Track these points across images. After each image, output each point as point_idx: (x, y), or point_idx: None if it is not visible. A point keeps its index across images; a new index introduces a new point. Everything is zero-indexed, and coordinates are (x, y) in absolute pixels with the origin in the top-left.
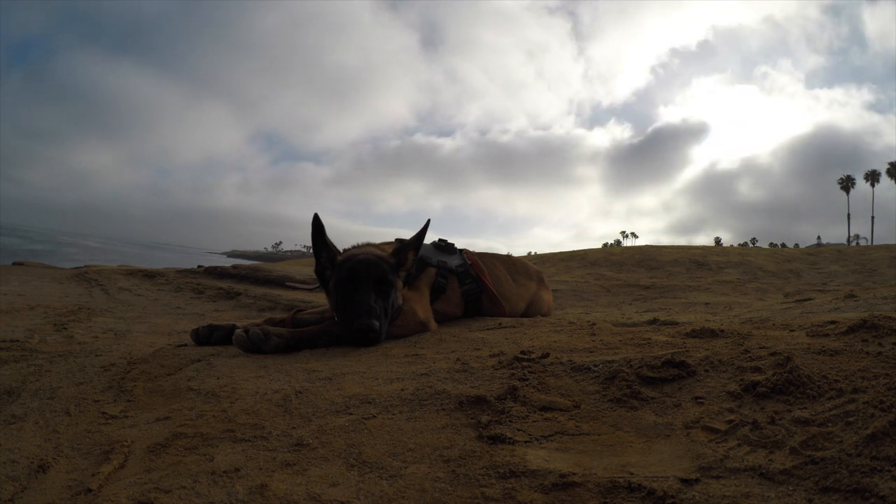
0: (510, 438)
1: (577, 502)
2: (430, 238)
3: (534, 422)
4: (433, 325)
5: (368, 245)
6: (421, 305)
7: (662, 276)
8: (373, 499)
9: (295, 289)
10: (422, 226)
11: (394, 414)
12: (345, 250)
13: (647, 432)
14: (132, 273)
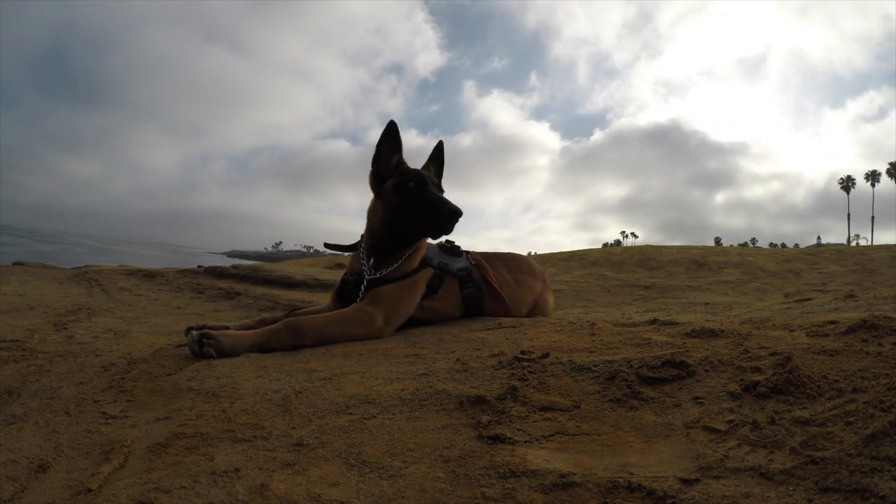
0: (510, 438)
1: (577, 502)
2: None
3: (534, 422)
4: (387, 332)
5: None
6: (386, 308)
7: (662, 276)
8: (373, 499)
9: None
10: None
11: (394, 414)
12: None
13: (647, 432)
14: (132, 273)
